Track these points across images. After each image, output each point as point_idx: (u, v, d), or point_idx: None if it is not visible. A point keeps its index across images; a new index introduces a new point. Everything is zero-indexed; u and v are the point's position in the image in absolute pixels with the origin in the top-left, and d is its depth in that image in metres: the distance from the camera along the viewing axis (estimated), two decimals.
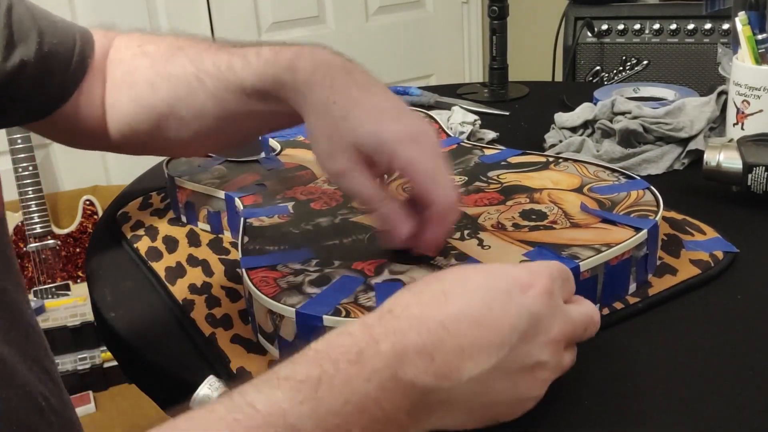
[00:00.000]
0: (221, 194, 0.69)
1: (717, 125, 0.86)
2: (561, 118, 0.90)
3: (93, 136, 0.68)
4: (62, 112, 0.64)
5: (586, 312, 0.44)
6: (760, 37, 0.79)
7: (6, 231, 0.52)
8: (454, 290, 0.40)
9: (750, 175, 0.69)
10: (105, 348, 1.67)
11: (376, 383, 0.36)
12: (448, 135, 0.82)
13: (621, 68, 1.63)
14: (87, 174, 1.88)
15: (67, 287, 1.77)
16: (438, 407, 0.39)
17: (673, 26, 1.57)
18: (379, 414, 0.37)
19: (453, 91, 1.17)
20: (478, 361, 0.38)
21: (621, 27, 1.61)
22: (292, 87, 0.55)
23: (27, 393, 0.45)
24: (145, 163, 0.93)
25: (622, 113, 0.85)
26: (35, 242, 1.73)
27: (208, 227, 0.72)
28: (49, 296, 1.76)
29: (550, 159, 0.71)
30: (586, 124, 0.88)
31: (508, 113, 1.06)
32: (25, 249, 1.73)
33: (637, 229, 0.56)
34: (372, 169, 0.54)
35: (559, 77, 1.67)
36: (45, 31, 0.61)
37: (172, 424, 0.35)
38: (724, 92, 0.86)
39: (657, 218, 0.58)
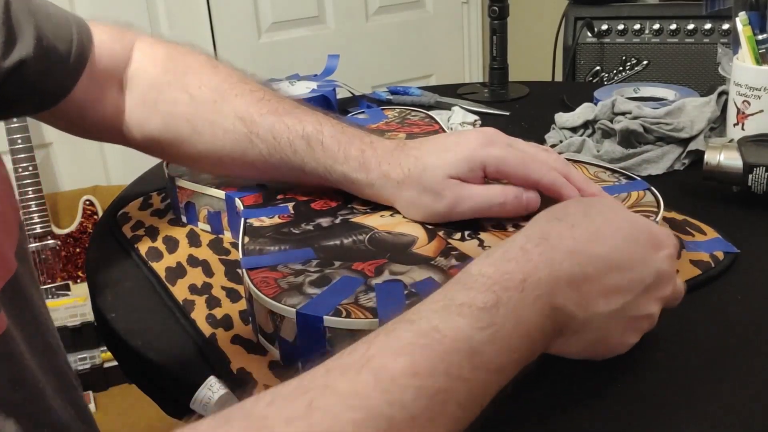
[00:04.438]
0: (221, 194, 0.69)
1: (717, 125, 0.86)
2: (561, 118, 0.90)
3: (104, 132, 0.69)
4: (64, 106, 0.64)
5: (681, 283, 0.49)
6: (760, 37, 0.79)
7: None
8: (605, 232, 0.44)
9: (750, 176, 0.69)
10: (105, 348, 1.67)
11: (538, 309, 0.40)
12: None
13: (621, 68, 1.63)
14: (87, 174, 1.88)
15: (67, 287, 1.77)
16: (568, 334, 0.43)
17: (673, 26, 1.57)
18: (537, 336, 0.41)
19: (453, 91, 1.17)
20: (610, 300, 0.43)
21: (621, 27, 1.61)
22: (366, 183, 0.61)
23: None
24: (145, 163, 0.93)
25: (623, 113, 0.85)
26: (35, 242, 1.73)
27: (208, 227, 0.72)
28: (49, 296, 1.76)
29: None
30: (587, 124, 0.88)
31: (508, 113, 1.06)
32: None
33: None
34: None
35: (559, 77, 1.67)
36: (42, 26, 0.60)
37: (366, 342, 0.37)
38: (725, 92, 0.86)
39: (657, 219, 0.58)
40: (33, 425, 0.46)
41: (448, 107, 1.06)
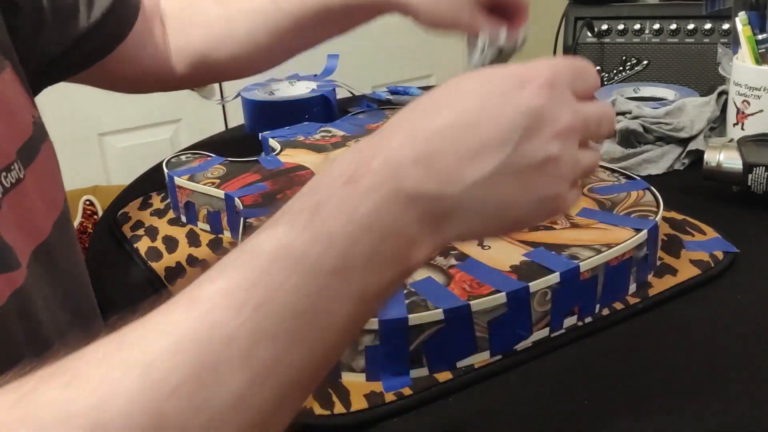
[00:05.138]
0: (221, 194, 0.69)
1: (717, 125, 0.86)
2: None
3: (155, 74, 0.75)
4: (120, 54, 0.69)
5: (598, 108, 0.41)
6: (760, 37, 0.79)
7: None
8: (451, 101, 0.38)
9: (750, 175, 0.69)
10: None
11: (377, 198, 0.35)
12: None
13: (621, 68, 1.63)
14: (87, 174, 1.88)
15: None
16: (449, 216, 0.37)
17: (673, 26, 1.57)
18: (385, 229, 0.35)
19: None
20: (480, 162, 0.36)
21: (621, 27, 1.61)
22: None
23: None
24: (145, 163, 0.93)
25: (623, 113, 0.85)
26: None
27: (207, 227, 0.72)
28: None
29: None
30: None
31: None
32: None
33: (637, 230, 0.56)
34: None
35: None
36: None
37: (204, 274, 0.36)
38: (724, 92, 0.86)
39: (657, 218, 0.58)
40: None
41: None
